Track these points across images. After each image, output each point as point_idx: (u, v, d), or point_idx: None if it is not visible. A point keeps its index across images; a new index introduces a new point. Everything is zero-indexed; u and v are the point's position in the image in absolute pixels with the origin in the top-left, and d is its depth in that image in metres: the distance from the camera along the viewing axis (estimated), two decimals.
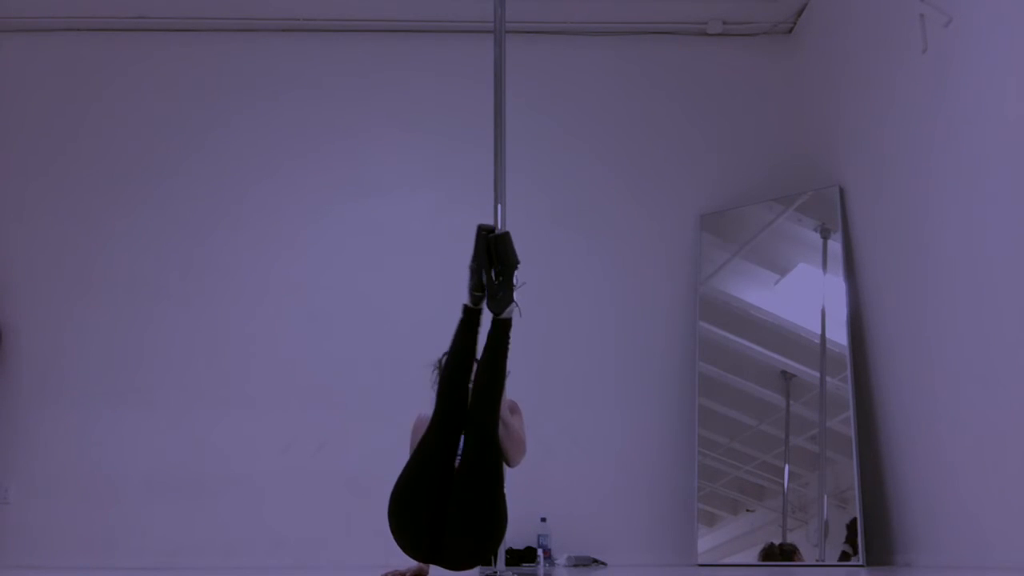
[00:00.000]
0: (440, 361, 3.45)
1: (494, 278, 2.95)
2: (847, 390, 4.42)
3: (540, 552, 4.63)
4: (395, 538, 2.84)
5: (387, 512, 2.86)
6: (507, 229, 3.02)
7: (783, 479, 4.62)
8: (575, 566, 4.59)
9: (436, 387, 3.44)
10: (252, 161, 5.35)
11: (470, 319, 3.04)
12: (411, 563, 2.91)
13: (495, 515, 2.82)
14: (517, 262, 2.99)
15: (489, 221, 3.58)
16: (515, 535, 4.54)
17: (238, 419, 4.97)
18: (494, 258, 2.94)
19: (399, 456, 3.36)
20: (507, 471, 3.04)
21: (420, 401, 3.50)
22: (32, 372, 5.02)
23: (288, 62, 5.49)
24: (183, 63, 5.47)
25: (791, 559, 4.43)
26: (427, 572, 2.94)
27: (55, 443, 4.93)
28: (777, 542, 4.52)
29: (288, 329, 5.13)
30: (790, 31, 5.54)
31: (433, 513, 2.75)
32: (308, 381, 5.04)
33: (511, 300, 2.97)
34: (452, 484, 2.77)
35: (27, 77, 5.41)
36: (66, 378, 5.02)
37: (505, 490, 2.91)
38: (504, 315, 2.97)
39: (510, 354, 3.25)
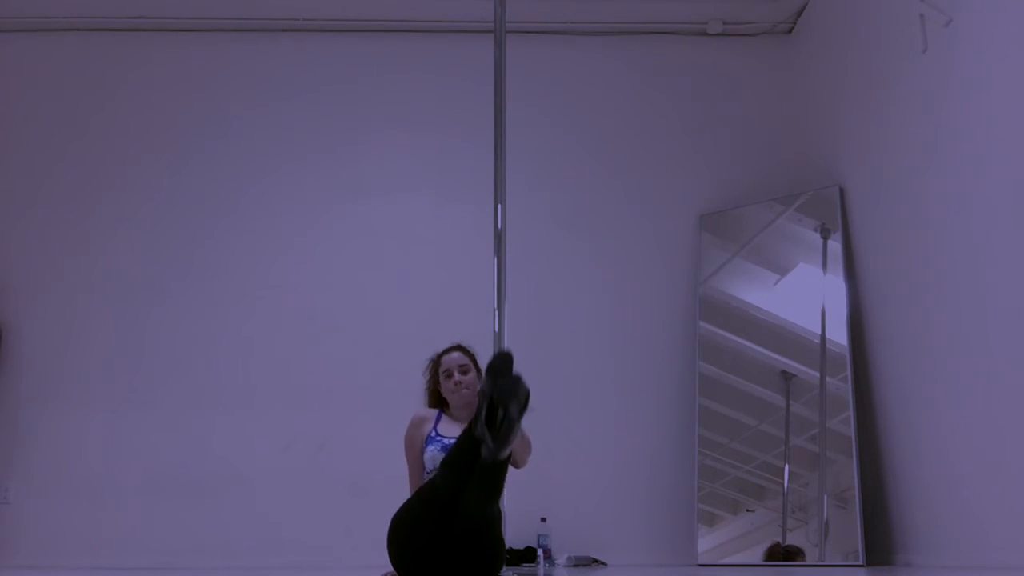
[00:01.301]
0: (432, 361, 3.41)
1: (497, 423, 2.63)
2: (847, 390, 4.42)
3: (540, 552, 4.64)
4: (393, 566, 2.88)
5: (386, 540, 2.91)
6: (519, 374, 2.71)
7: (783, 479, 4.62)
8: (575, 566, 4.59)
9: (428, 386, 3.41)
10: (252, 161, 5.35)
11: (472, 442, 2.75)
12: None
13: (495, 558, 2.85)
14: (525, 406, 2.68)
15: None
16: (515, 535, 4.53)
17: (238, 419, 4.96)
18: (497, 402, 2.65)
19: (399, 456, 3.36)
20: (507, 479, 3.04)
21: (420, 401, 3.51)
22: (32, 372, 5.02)
23: (288, 62, 5.49)
24: (183, 64, 5.47)
25: (793, 559, 4.43)
26: None
27: (55, 443, 4.92)
28: (784, 543, 4.52)
29: (288, 329, 5.12)
30: (790, 31, 5.54)
31: (432, 551, 2.76)
32: (308, 381, 5.04)
33: (508, 445, 2.66)
34: (454, 523, 2.77)
35: (27, 77, 5.41)
36: (66, 378, 5.02)
37: (503, 503, 2.93)
38: (498, 458, 2.70)
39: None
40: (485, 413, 2.65)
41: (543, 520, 4.70)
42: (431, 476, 3.11)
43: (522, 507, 4.00)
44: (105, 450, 4.92)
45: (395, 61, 5.50)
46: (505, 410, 2.61)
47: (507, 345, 3.37)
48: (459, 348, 3.38)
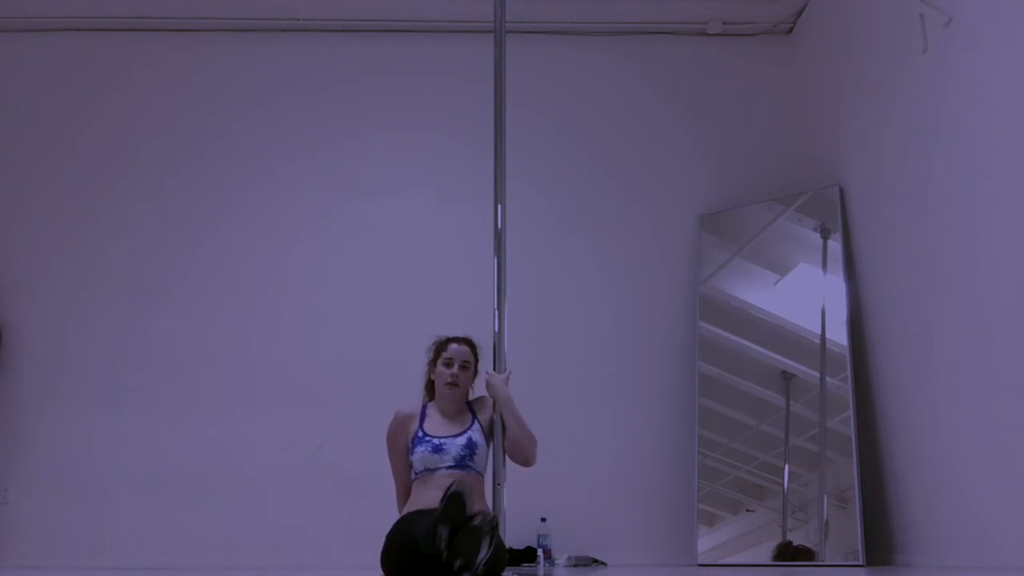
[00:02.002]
0: (436, 343, 3.33)
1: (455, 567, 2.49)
2: (847, 390, 4.42)
3: (540, 552, 4.64)
4: None
5: (380, 560, 2.87)
6: (482, 527, 2.54)
7: (783, 479, 4.62)
8: (575, 566, 4.59)
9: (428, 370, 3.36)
10: (252, 161, 5.34)
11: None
12: None
13: (498, 563, 2.77)
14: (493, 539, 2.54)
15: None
16: (515, 535, 4.53)
17: (238, 419, 4.96)
18: (460, 557, 2.49)
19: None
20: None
21: (419, 400, 3.50)
22: (32, 372, 5.02)
23: (288, 62, 5.48)
24: (183, 63, 5.47)
25: (800, 560, 4.42)
26: None
27: (55, 443, 4.92)
28: (795, 543, 4.49)
29: (287, 329, 5.12)
30: (790, 31, 5.54)
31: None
32: (307, 381, 5.04)
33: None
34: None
35: (27, 77, 5.41)
36: (66, 378, 5.02)
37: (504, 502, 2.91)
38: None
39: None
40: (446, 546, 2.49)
41: (543, 520, 4.70)
42: (419, 482, 3.09)
43: (522, 507, 3.99)
44: (105, 450, 4.92)
45: (395, 61, 5.50)
46: (468, 567, 2.48)
47: (507, 345, 3.35)
48: (468, 343, 3.31)
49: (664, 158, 5.42)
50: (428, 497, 2.97)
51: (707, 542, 4.69)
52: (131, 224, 5.24)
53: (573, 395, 5.05)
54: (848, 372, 4.44)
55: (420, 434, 3.16)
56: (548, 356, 5.04)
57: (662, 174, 5.40)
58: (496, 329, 3.35)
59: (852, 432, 4.34)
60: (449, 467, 3.07)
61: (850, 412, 4.37)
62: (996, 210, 3.40)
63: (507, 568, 3.25)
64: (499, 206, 3.49)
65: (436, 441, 3.12)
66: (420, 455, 3.11)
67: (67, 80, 5.42)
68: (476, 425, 3.20)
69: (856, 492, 4.23)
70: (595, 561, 4.68)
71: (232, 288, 5.17)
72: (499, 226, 3.46)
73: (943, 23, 3.73)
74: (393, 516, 3.10)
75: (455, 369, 3.24)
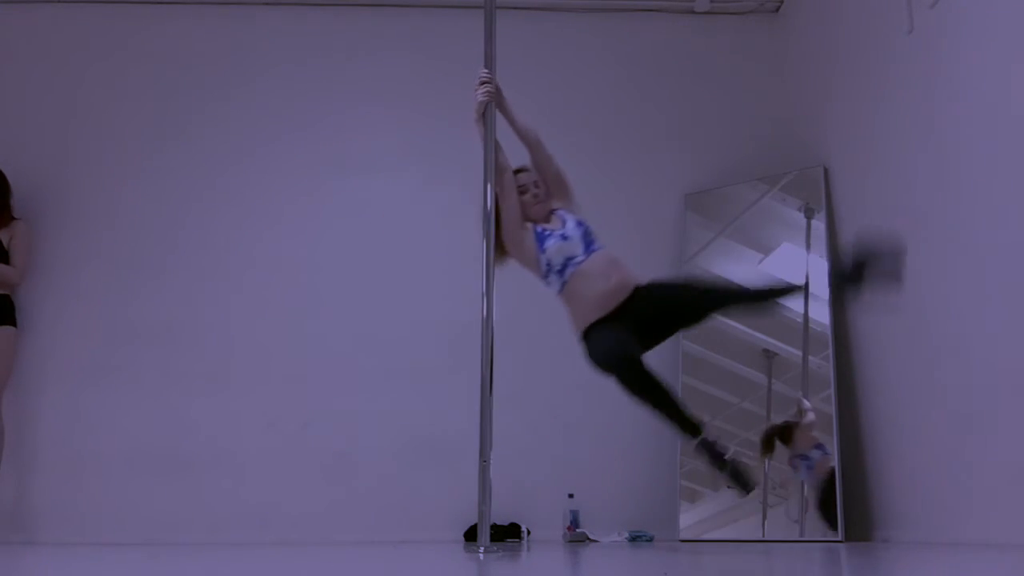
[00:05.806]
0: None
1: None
2: (829, 369, 4.47)
3: (525, 528, 4.68)
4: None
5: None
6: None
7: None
8: (571, 542, 4.62)
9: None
10: (237, 137, 5.29)
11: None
12: None
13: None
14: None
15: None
16: (500, 511, 4.57)
17: (222, 395, 4.95)
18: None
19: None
20: None
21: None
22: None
23: (273, 37, 5.42)
24: (166, 38, 5.39)
25: (791, 434, 4.51)
26: None
27: (36, 419, 4.89)
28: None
29: (272, 306, 5.11)
30: (777, 10, 5.54)
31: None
32: (293, 358, 5.03)
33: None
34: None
35: (7, 50, 5.32)
36: (48, 355, 4.98)
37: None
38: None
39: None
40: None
41: (571, 496, 4.74)
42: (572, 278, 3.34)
43: (507, 482, 4.02)
44: (88, 427, 4.90)
45: (384, 37, 5.45)
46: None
47: (495, 324, 3.37)
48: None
49: (650, 137, 5.42)
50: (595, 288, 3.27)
51: (689, 518, 4.75)
52: (112, 201, 5.18)
53: (558, 372, 5.07)
54: (830, 351, 4.49)
55: (539, 230, 3.38)
56: (535, 335, 5.05)
57: (648, 153, 5.40)
58: (484, 308, 3.36)
59: (833, 410, 4.39)
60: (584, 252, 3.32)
61: (831, 390, 4.43)
62: (978, 191, 3.44)
63: (492, 543, 3.27)
64: (488, 185, 3.49)
65: (558, 231, 3.34)
66: (555, 246, 3.32)
67: (48, 53, 5.33)
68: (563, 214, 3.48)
69: (836, 469, 4.29)
70: (587, 538, 4.71)
71: (217, 265, 5.14)
72: (488, 205, 3.47)
73: (929, 4, 3.74)
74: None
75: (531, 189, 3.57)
